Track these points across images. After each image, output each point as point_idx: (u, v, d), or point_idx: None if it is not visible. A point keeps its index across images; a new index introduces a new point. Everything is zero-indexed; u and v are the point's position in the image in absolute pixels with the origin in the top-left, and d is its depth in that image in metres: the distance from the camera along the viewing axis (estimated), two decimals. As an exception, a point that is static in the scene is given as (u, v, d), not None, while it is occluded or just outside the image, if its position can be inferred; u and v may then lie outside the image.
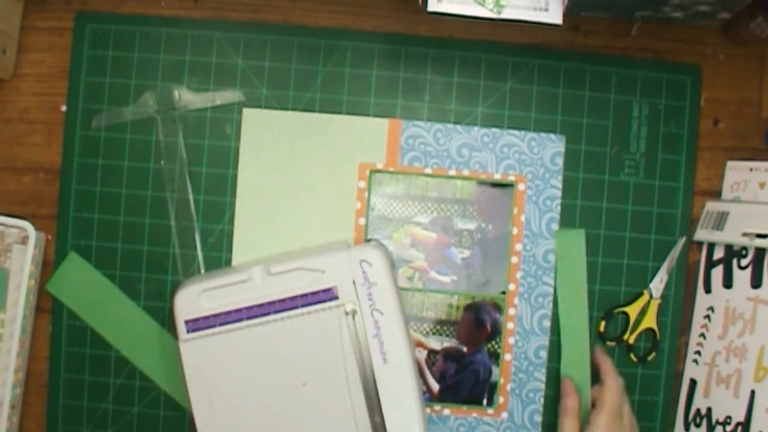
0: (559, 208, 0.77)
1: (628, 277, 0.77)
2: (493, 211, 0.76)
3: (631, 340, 0.77)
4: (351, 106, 0.76)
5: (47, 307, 0.76)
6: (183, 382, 0.68)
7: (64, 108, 0.76)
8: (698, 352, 0.76)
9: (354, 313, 0.68)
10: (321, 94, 0.76)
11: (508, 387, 0.76)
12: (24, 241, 0.73)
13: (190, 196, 0.76)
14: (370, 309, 0.68)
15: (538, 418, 0.77)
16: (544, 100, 0.77)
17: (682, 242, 0.77)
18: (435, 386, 0.76)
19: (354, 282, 0.68)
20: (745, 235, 0.72)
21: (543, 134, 0.77)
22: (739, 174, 0.76)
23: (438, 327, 0.76)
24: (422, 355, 0.76)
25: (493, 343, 0.76)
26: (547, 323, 0.77)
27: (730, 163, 0.77)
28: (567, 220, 0.77)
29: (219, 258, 0.76)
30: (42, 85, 0.76)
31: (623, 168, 0.77)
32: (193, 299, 0.69)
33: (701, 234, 0.76)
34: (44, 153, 0.76)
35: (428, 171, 0.76)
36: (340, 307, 0.68)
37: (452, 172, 0.76)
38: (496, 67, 0.77)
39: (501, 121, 0.77)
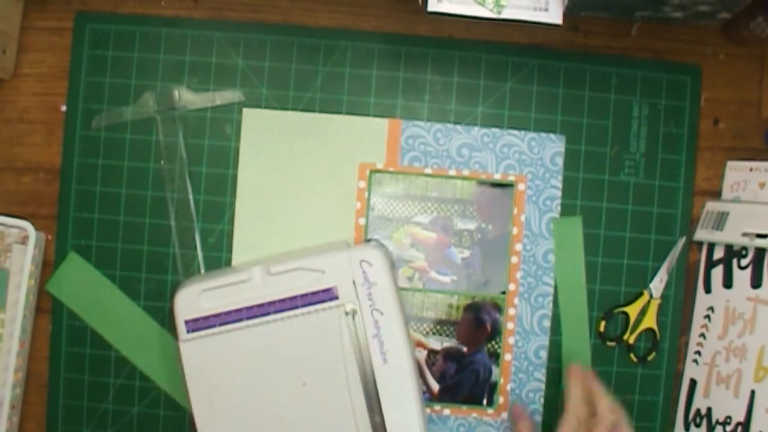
0: (559, 208, 0.77)
1: (628, 277, 0.77)
2: (493, 211, 0.76)
3: (631, 340, 0.77)
4: (351, 106, 0.76)
5: (47, 307, 0.76)
6: (183, 382, 0.68)
7: (64, 108, 0.76)
8: (698, 352, 0.76)
9: (354, 313, 0.68)
10: (321, 94, 0.76)
11: (508, 387, 0.76)
12: (24, 241, 0.73)
13: (190, 196, 0.76)
14: (370, 309, 0.68)
15: (538, 418, 0.77)
16: (544, 100, 0.77)
17: (682, 242, 0.77)
18: (435, 386, 0.76)
19: (354, 282, 0.68)
20: (745, 235, 0.72)
21: (543, 134, 0.77)
22: (739, 174, 0.76)
23: (438, 327, 0.76)
24: (422, 355, 0.76)
25: (493, 343, 0.76)
26: (547, 323, 0.77)
27: (730, 163, 0.77)
28: (567, 220, 0.77)
29: (219, 258, 0.76)
30: (42, 85, 0.76)
31: (623, 168, 0.77)
32: (193, 299, 0.69)
33: (701, 234, 0.76)
34: (44, 153, 0.76)
35: (428, 171, 0.76)
36: (340, 307, 0.68)
37: (452, 172, 0.76)
38: (496, 67, 0.77)
39: (501, 121, 0.77)
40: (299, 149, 0.76)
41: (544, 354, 0.77)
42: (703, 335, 0.76)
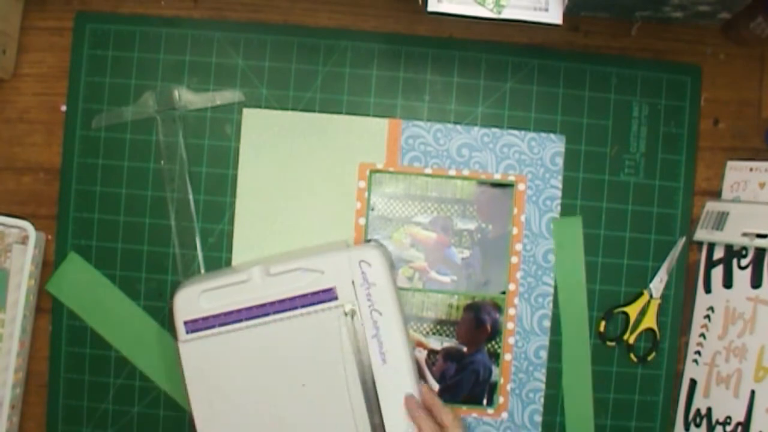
0: (559, 208, 0.77)
1: (628, 277, 0.77)
2: (493, 211, 0.76)
3: (631, 340, 0.77)
4: (351, 106, 0.76)
5: (47, 307, 0.76)
6: (182, 382, 0.68)
7: (64, 108, 0.76)
8: (698, 352, 0.76)
9: (353, 313, 0.68)
10: (321, 94, 0.76)
11: (508, 387, 0.76)
12: (24, 241, 0.73)
13: (190, 196, 0.76)
14: (369, 309, 0.68)
15: (538, 418, 0.77)
16: (544, 100, 0.77)
17: (682, 242, 0.77)
18: (435, 386, 0.76)
19: (353, 282, 0.68)
20: (745, 235, 0.72)
21: (543, 134, 0.77)
22: (739, 174, 0.76)
23: (438, 327, 0.76)
24: (422, 355, 0.76)
25: (493, 343, 0.76)
26: (547, 323, 0.76)
27: (730, 163, 0.77)
28: (567, 220, 0.77)
29: (219, 258, 0.76)
30: (42, 85, 0.76)
31: (623, 168, 0.77)
32: (192, 300, 0.69)
33: (701, 234, 0.76)
34: (44, 153, 0.76)
35: (428, 171, 0.76)
36: (340, 308, 0.68)
37: (452, 172, 0.76)
38: (496, 67, 0.77)
39: (501, 121, 0.77)
40: (299, 149, 0.76)
41: (544, 354, 0.77)
42: (703, 335, 0.76)
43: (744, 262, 0.73)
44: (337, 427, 0.67)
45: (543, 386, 0.77)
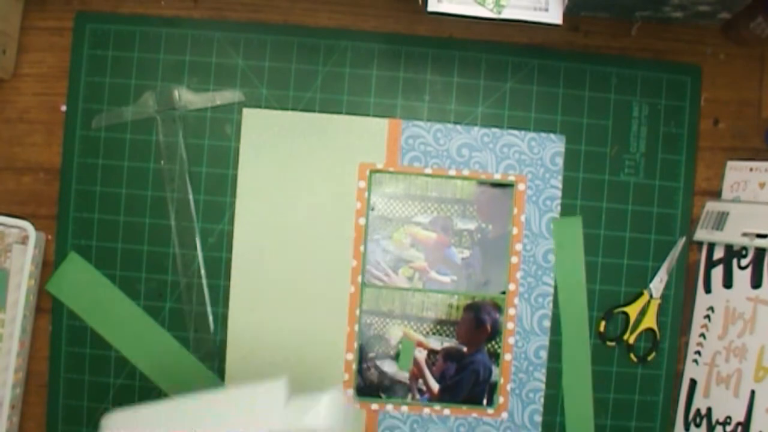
0: (559, 208, 0.77)
1: (628, 277, 0.77)
2: (493, 211, 0.76)
3: (631, 340, 0.77)
4: (351, 106, 0.76)
5: (47, 307, 0.76)
6: None
7: (64, 108, 0.76)
8: (698, 352, 0.76)
9: None
10: (321, 94, 0.76)
11: (508, 387, 0.76)
12: (24, 241, 0.73)
13: (190, 196, 0.76)
14: None
15: (538, 418, 0.77)
16: (544, 100, 0.77)
17: (682, 242, 0.77)
18: (435, 386, 0.76)
19: None
20: (745, 235, 0.72)
21: (543, 134, 0.77)
22: (739, 174, 0.76)
23: (438, 327, 0.76)
24: (422, 355, 0.76)
25: (493, 343, 0.76)
26: (547, 323, 0.77)
27: (730, 163, 0.77)
28: (567, 220, 0.77)
29: (219, 258, 0.76)
30: (42, 85, 0.76)
31: (623, 168, 0.77)
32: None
33: (701, 234, 0.76)
34: (44, 153, 0.76)
35: (428, 171, 0.76)
36: None
37: (452, 172, 0.76)
38: (496, 67, 0.77)
39: (501, 121, 0.77)
40: (299, 149, 0.76)
41: (544, 354, 0.77)
42: (703, 335, 0.76)
43: (744, 262, 0.73)
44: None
45: (543, 386, 0.77)
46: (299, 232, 0.76)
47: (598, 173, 0.77)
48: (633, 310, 0.76)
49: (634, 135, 0.77)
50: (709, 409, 0.74)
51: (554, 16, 0.67)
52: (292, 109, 0.76)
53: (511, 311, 0.76)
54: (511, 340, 0.76)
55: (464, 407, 0.77)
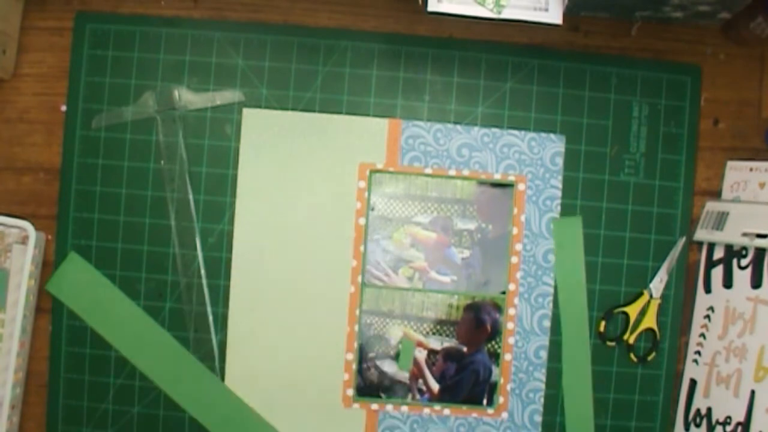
0: (559, 208, 0.77)
1: (628, 277, 0.77)
2: (493, 211, 0.76)
3: (631, 340, 0.77)
4: (351, 106, 0.76)
5: (47, 307, 0.76)
6: None
7: (64, 108, 0.76)
8: (698, 352, 0.76)
9: None
10: (321, 94, 0.76)
11: (508, 387, 0.76)
12: (24, 241, 0.73)
13: (190, 196, 0.76)
14: None
15: (538, 418, 0.77)
16: (544, 100, 0.77)
17: (682, 242, 0.77)
18: (435, 386, 0.76)
19: None
20: (745, 235, 0.72)
21: (543, 134, 0.77)
22: (739, 174, 0.76)
23: (438, 327, 0.76)
24: (422, 355, 0.76)
25: (493, 343, 0.76)
26: (547, 323, 0.77)
27: (730, 163, 0.77)
28: (567, 220, 0.77)
29: (219, 258, 0.76)
30: (42, 85, 0.76)
31: (623, 168, 0.77)
32: None
33: (701, 234, 0.76)
34: (44, 153, 0.76)
35: (428, 171, 0.76)
36: None
37: (452, 172, 0.76)
38: (496, 67, 0.77)
39: (501, 121, 0.77)
40: (299, 149, 0.76)
41: (544, 354, 0.77)
42: (703, 335, 0.76)
43: (744, 262, 0.73)
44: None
45: (543, 386, 0.77)
46: (299, 232, 0.76)
47: (598, 173, 0.77)
48: (633, 310, 0.76)
49: (634, 135, 0.77)
50: (709, 409, 0.74)
51: (554, 16, 0.67)
52: (292, 109, 0.76)
53: (511, 311, 0.76)
54: (511, 340, 0.76)
55: (464, 407, 0.77)
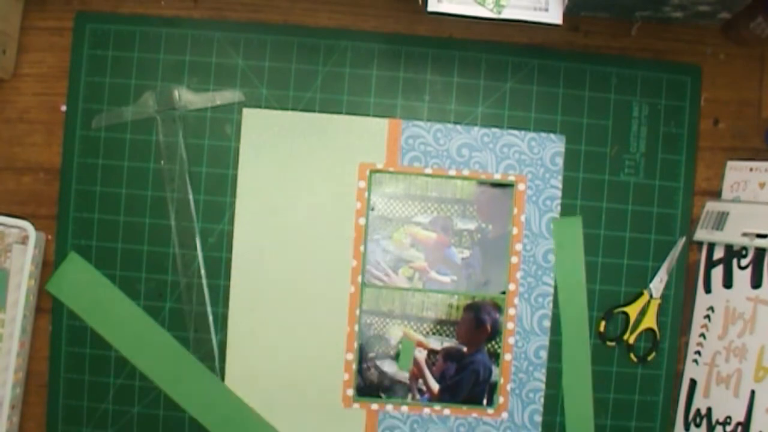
0: (559, 208, 0.77)
1: (628, 277, 0.77)
2: (493, 211, 0.76)
3: (631, 340, 0.77)
4: (351, 106, 0.76)
5: (47, 307, 0.76)
6: None
7: (64, 108, 0.76)
8: (698, 352, 0.76)
9: None
10: (321, 94, 0.76)
11: (508, 387, 0.76)
12: (24, 241, 0.73)
13: (190, 196, 0.76)
14: None
15: (538, 418, 0.77)
16: (544, 100, 0.77)
17: (682, 242, 0.77)
18: (435, 386, 0.76)
19: None
20: (745, 235, 0.72)
21: (543, 134, 0.77)
22: (739, 174, 0.76)
23: (438, 327, 0.76)
24: (422, 355, 0.76)
25: (493, 343, 0.76)
26: (547, 323, 0.77)
27: (730, 163, 0.77)
28: (567, 220, 0.77)
29: (219, 258, 0.76)
30: (42, 85, 0.76)
31: (623, 168, 0.77)
32: None
33: (701, 234, 0.76)
34: (44, 153, 0.76)
35: (428, 171, 0.76)
36: None
37: (452, 172, 0.76)
38: (496, 67, 0.77)
39: (501, 121, 0.77)
40: (299, 149, 0.76)
41: (544, 354, 0.77)
42: (703, 335, 0.76)
43: (744, 262, 0.73)
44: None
45: (543, 386, 0.77)
46: (299, 232, 0.76)
47: (598, 173, 0.77)
48: (633, 310, 0.76)
49: (634, 135, 0.77)
50: (709, 409, 0.74)
51: (554, 16, 0.67)
52: (292, 109, 0.76)
53: (511, 311, 0.76)
54: (511, 340, 0.76)
55: (464, 407, 0.77)
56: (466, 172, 0.76)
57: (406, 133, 0.76)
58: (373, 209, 0.76)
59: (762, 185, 0.74)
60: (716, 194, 0.78)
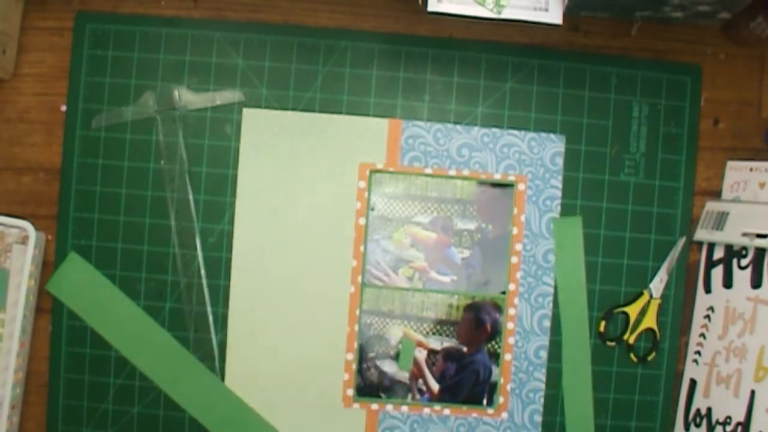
0: (559, 208, 0.77)
1: (628, 277, 0.77)
2: (493, 211, 0.76)
3: (631, 340, 0.77)
4: (351, 106, 0.76)
5: (47, 307, 0.76)
6: None
7: (64, 108, 0.76)
8: (698, 352, 0.76)
9: None
10: (321, 94, 0.76)
11: (508, 387, 0.76)
12: (24, 241, 0.73)
13: (190, 196, 0.76)
14: None
15: (538, 418, 0.77)
16: (544, 100, 0.77)
17: (682, 242, 0.77)
18: (435, 386, 0.76)
19: None
20: (745, 235, 0.72)
21: (543, 134, 0.77)
22: (739, 174, 0.76)
23: (438, 327, 0.76)
24: (422, 355, 0.76)
25: (493, 343, 0.76)
26: (547, 323, 0.77)
27: (730, 163, 0.77)
28: (567, 220, 0.77)
29: (219, 258, 0.76)
30: (42, 85, 0.76)
31: (623, 168, 0.77)
32: None
33: (701, 234, 0.76)
34: (44, 153, 0.76)
35: (428, 171, 0.76)
36: None
37: (452, 172, 0.76)
38: (496, 67, 0.77)
39: (501, 121, 0.77)
40: (299, 149, 0.76)
41: (544, 354, 0.77)
42: (703, 335, 0.76)
43: (744, 262, 0.73)
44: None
45: (543, 386, 0.77)
46: (299, 232, 0.76)
47: (598, 173, 0.77)
48: (633, 310, 0.76)
49: (634, 135, 0.77)
50: (709, 409, 0.74)
51: (554, 16, 0.67)
52: (292, 109, 0.76)
53: (511, 311, 0.76)
54: (511, 340, 0.76)
55: (464, 407, 0.77)
56: (466, 172, 0.76)
57: (406, 133, 0.76)
58: (373, 209, 0.76)
59: (762, 185, 0.74)
60: (716, 194, 0.78)
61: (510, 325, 0.76)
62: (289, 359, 0.76)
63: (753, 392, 0.70)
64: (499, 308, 0.76)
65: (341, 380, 0.76)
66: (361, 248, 0.76)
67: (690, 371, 0.77)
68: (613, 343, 0.77)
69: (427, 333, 0.76)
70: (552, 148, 0.77)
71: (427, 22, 0.77)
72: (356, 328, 0.76)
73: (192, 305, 0.76)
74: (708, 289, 0.76)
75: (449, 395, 0.76)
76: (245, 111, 0.76)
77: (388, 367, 0.76)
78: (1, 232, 0.73)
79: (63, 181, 0.76)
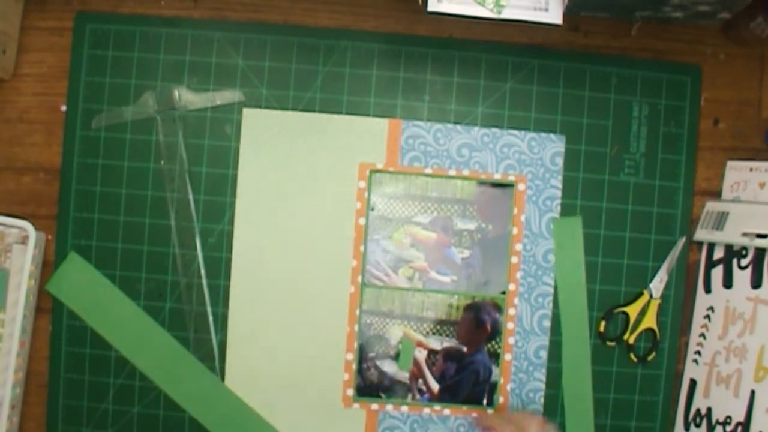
0: (559, 208, 0.77)
1: (628, 277, 0.77)
2: (493, 211, 0.76)
3: (631, 340, 0.77)
4: (351, 106, 0.76)
5: (47, 307, 0.76)
6: None
7: (64, 108, 0.76)
8: (698, 352, 0.76)
9: None
10: (321, 94, 0.76)
11: (508, 387, 0.76)
12: (24, 241, 0.73)
13: (190, 196, 0.76)
14: None
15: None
16: (544, 100, 0.77)
17: (682, 242, 0.77)
18: (435, 386, 0.76)
19: None
20: (745, 235, 0.72)
21: (543, 134, 0.77)
22: (739, 174, 0.76)
23: (438, 327, 0.76)
24: (422, 355, 0.76)
25: (493, 343, 0.76)
26: (547, 323, 0.77)
27: (730, 163, 0.77)
28: (567, 220, 0.77)
29: (219, 258, 0.76)
30: (42, 85, 0.76)
31: (623, 168, 0.77)
32: None
33: (701, 234, 0.76)
34: (44, 153, 0.76)
35: (428, 171, 0.76)
36: None
37: (452, 172, 0.76)
38: (496, 67, 0.77)
39: (501, 121, 0.77)
40: (299, 149, 0.76)
41: (544, 354, 0.77)
42: (703, 335, 0.76)
43: (744, 262, 0.73)
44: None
45: (543, 386, 0.77)
46: (299, 232, 0.76)
47: (598, 173, 0.77)
48: (633, 310, 0.76)
49: (634, 135, 0.77)
50: (709, 409, 0.74)
51: (554, 16, 0.67)
52: (292, 109, 0.76)
53: (511, 311, 0.76)
54: (511, 340, 0.76)
55: (464, 407, 0.77)
56: (466, 172, 0.76)
57: (406, 133, 0.76)
58: (373, 209, 0.76)
59: (762, 185, 0.74)
60: (716, 194, 0.78)
61: (510, 325, 0.76)
62: (289, 359, 0.76)
63: (753, 392, 0.70)
64: (499, 308, 0.76)
65: (341, 380, 0.76)
66: (361, 248, 0.76)
67: (690, 371, 0.77)
68: (613, 343, 0.77)
69: (427, 333, 0.76)
70: (552, 148, 0.77)
71: (427, 22, 0.77)
72: (356, 328, 0.76)
73: (192, 305, 0.76)
74: (708, 289, 0.76)
75: (449, 395, 0.76)
76: (245, 111, 0.76)
77: (388, 367, 0.76)
78: (1, 232, 0.73)
79: (63, 181, 0.76)
